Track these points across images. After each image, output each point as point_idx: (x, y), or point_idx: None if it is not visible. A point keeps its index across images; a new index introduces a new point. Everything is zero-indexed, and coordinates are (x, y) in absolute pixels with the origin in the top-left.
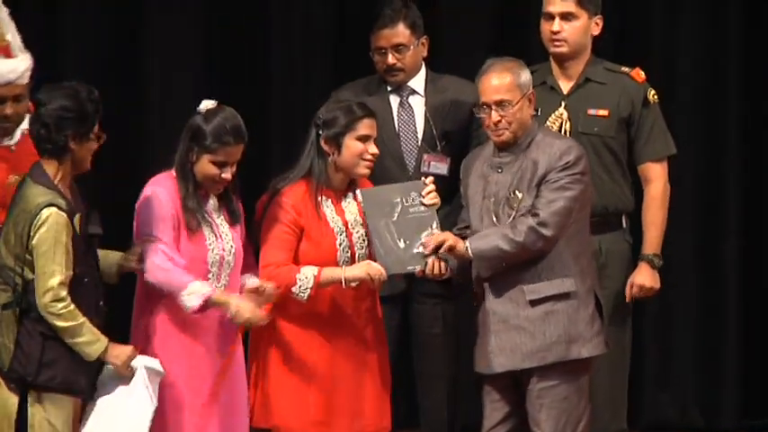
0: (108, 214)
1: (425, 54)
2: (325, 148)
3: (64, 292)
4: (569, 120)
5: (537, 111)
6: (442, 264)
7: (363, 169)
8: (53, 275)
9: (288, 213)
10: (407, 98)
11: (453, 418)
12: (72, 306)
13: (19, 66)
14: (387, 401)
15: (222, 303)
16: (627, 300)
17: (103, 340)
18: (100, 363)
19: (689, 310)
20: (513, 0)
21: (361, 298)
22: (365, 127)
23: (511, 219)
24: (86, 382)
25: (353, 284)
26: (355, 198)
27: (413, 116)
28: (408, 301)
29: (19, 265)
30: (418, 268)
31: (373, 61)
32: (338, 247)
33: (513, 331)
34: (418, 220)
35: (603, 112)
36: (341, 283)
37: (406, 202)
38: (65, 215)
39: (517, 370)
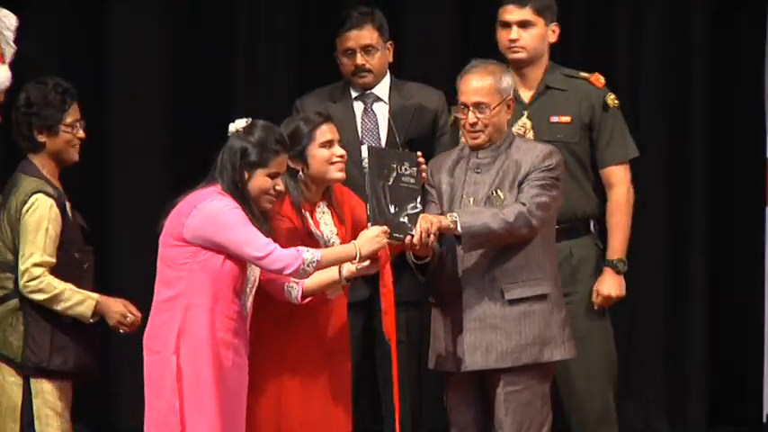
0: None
1: (391, 59)
2: (293, 166)
3: (38, 271)
4: (532, 128)
5: None
6: (431, 237)
7: (336, 173)
8: (30, 257)
9: (285, 221)
10: (371, 105)
11: (418, 425)
12: (47, 278)
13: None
14: (350, 412)
15: (338, 253)
16: (596, 308)
17: (93, 296)
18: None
19: (654, 319)
20: (475, 7)
21: (334, 306)
22: (324, 133)
23: None
24: (97, 363)
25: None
26: (329, 207)
27: (376, 123)
28: (371, 309)
29: (12, 256)
30: (405, 238)
31: (339, 65)
32: None
33: (489, 330)
34: (407, 191)
35: (566, 119)
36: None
37: (400, 170)
38: (51, 200)
39: (487, 370)
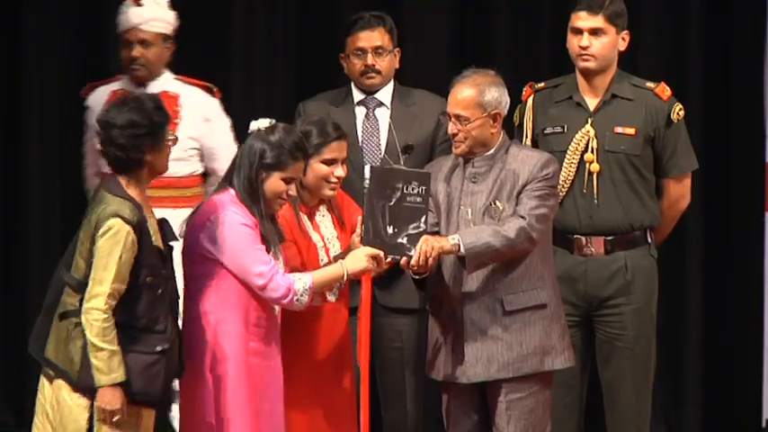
0: None
1: (397, 65)
2: None
3: (103, 305)
4: (596, 137)
5: (563, 128)
6: (430, 259)
7: (328, 191)
8: (100, 284)
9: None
10: (373, 110)
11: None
12: (108, 324)
13: (144, 13)
14: (355, 419)
15: (328, 275)
16: None
17: (114, 377)
18: (174, 370)
19: None
20: (475, 11)
21: (336, 312)
22: (331, 150)
23: None
24: (158, 391)
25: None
26: (329, 211)
27: (377, 128)
28: (372, 314)
29: (88, 272)
30: (401, 259)
31: (346, 66)
32: (320, 263)
33: (490, 341)
34: (411, 211)
35: (630, 131)
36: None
37: (406, 189)
38: (128, 227)
39: (489, 380)
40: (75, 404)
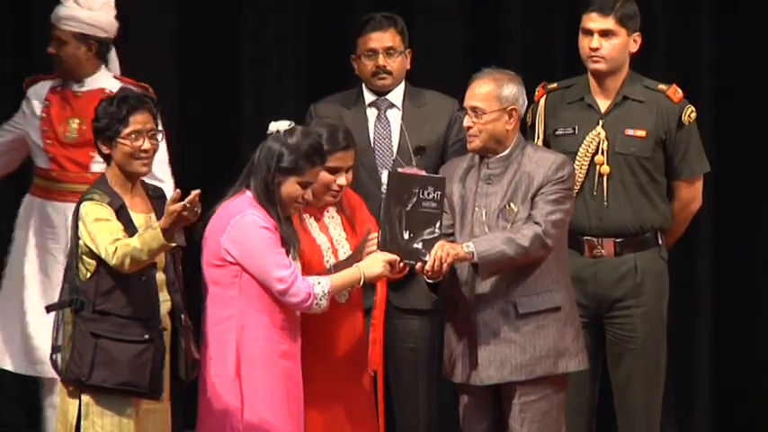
0: None
1: (408, 66)
2: None
3: (111, 248)
4: (606, 139)
5: (574, 129)
6: (445, 265)
7: (329, 198)
8: (105, 244)
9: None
10: (385, 111)
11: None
12: (119, 247)
13: (59, 11)
14: (374, 418)
15: (345, 279)
16: None
17: (147, 231)
18: (161, 359)
19: None
20: (487, 11)
21: (351, 312)
22: (336, 160)
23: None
24: (147, 381)
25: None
26: (339, 212)
27: (389, 130)
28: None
29: (75, 264)
30: (416, 265)
31: (357, 67)
32: (326, 264)
33: (503, 344)
34: (427, 216)
35: (641, 133)
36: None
37: (422, 194)
38: (98, 203)
39: (502, 383)
40: (67, 401)
